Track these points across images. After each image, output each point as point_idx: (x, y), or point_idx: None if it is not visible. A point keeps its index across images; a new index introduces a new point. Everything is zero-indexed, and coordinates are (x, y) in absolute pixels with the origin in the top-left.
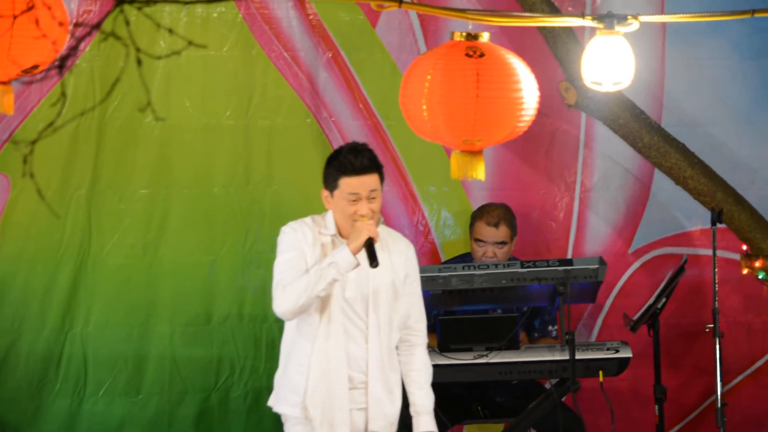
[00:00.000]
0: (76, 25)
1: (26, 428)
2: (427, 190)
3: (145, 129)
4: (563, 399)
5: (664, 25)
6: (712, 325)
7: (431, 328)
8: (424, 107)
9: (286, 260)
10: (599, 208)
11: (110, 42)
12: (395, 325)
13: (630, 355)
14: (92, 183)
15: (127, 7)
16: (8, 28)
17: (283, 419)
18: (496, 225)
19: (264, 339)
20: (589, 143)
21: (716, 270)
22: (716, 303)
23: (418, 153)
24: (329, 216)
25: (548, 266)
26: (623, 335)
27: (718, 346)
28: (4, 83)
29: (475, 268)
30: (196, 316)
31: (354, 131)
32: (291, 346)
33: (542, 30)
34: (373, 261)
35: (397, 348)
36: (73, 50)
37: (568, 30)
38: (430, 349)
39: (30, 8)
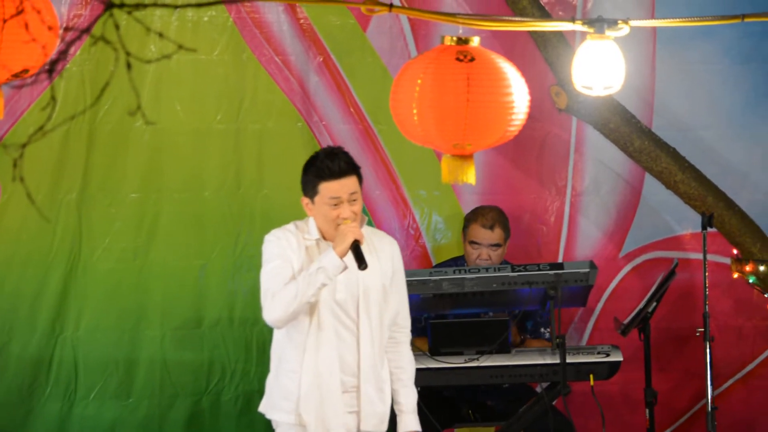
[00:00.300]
0: (66, 29)
1: None
2: (418, 194)
3: (135, 133)
4: (554, 402)
5: (654, 29)
6: (702, 329)
7: (422, 332)
8: (415, 111)
9: (272, 268)
10: (590, 212)
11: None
12: (386, 324)
13: (621, 358)
14: (82, 187)
15: (116, 12)
16: None
17: (275, 425)
18: (491, 227)
19: (255, 342)
20: (579, 147)
21: (707, 274)
22: (707, 307)
23: (409, 157)
24: (311, 222)
25: (539, 270)
26: (614, 339)
27: (708, 350)
28: None
29: (466, 271)
30: (187, 320)
31: (345, 135)
32: (281, 352)
33: (533, 34)
34: (362, 264)
35: None
36: (63, 54)
37: (559, 34)
38: (421, 352)
39: (19, 12)
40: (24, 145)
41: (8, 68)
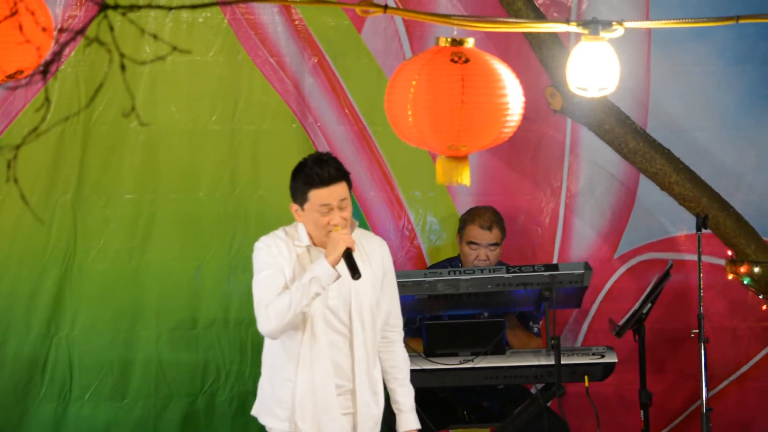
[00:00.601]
0: (61, 30)
1: None
2: (413, 195)
3: (130, 134)
4: (549, 404)
5: (649, 31)
6: (697, 331)
7: (417, 333)
8: (410, 112)
9: (264, 278)
10: (585, 214)
11: (94, 47)
12: (378, 326)
13: (615, 360)
14: (77, 188)
15: (111, 13)
16: None
17: (269, 429)
18: (489, 228)
19: (250, 343)
20: (574, 149)
21: (701, 275)
22: (701, 308)
23: (404, 158)
24: (300, 227)
25: (534, 271)
26: (609, 340)
27: (703, 352)
28: None
29: (461, 273)
30: (182, 321)
31: (340, 136)
32: (274, 359)
33: (527, 35)
34: (356, 273)
35: None
36: (57, 55)
37: (554, 35)
38: (416, 353)
39: (13, 14)
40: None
41: (2, 69)
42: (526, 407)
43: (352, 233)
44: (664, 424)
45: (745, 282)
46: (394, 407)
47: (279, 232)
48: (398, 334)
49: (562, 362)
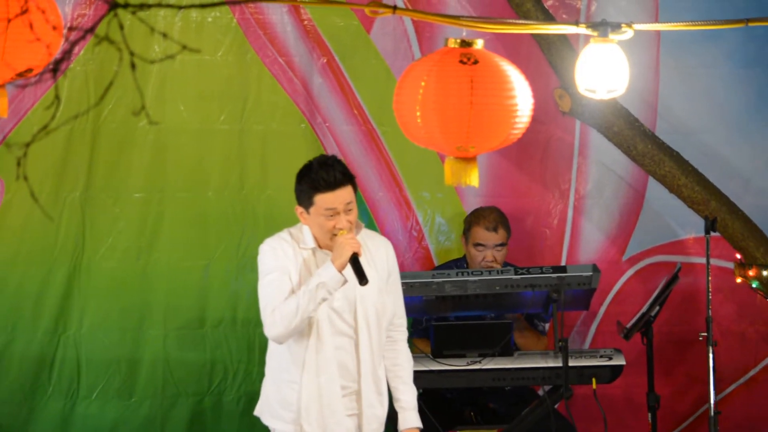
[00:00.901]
0: (71, 28)
1: (19, 431)
2: (421, 196)
3: (139, 133)
4: (556, 406)
5: (658, 33)
6: (705, 334)
7: (424, 333)
8: (418, 113)
9: (270, 281)
10: (593, 216)
11: (104, 46)
12: (383, 327)
13: (623, 362)
14: (86, 186)
15: (121, 12)
16: (2, 32)
17: (273, 431)
18: (494, 229)
19: (257, 343)
20: (583, 151)
21: (710, 278)
22: (710, 311)
23: (412, 159)
24: (306, 230)
25: (542, 273)
26: (617, 343)
27: (711, 355)
28: None
29: (468, 274)
30: (190, 320)
31: (348, 137)
32: (279, 361)
33: (537, 37)
34: (363, 279)
35: None
36: (67, 54)
37: (563, 37)
38: (424, 354)
39: (24, 12)
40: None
41: (12, 67)
42: (534, 409)
43: (357, 235)
44: (671, 427)
45: (754, 285)
46: (396, 405)
47: (284, 234)
48: (402, 333)
49: (570, 364)
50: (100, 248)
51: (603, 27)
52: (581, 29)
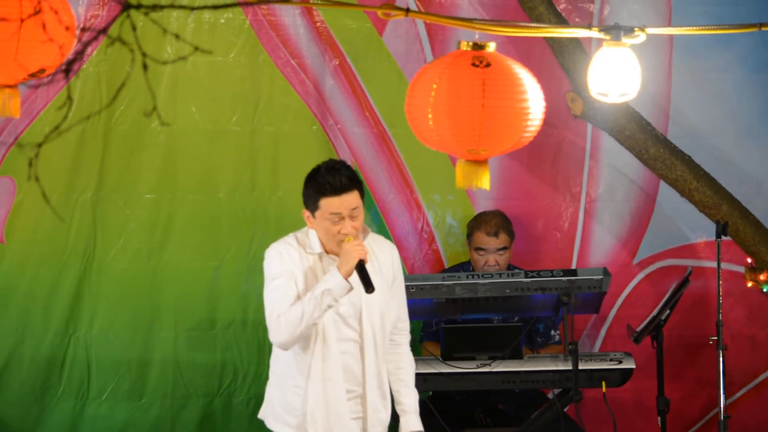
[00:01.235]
0: (83, 29)
1: (29, 431)
2: (432, 198)
3: (150, 134)
4: (566, 409)
5: (671, 37)
6: (715, 338)
7: (434, 336)
8: (430, 116)
9: (276, 287)
10: (604, 219)
11: (117, 47)
12: (388, 331)
13: (633, 366)
14: (98, 187)
15: (133, 12)
16: (15, 32)
17: None
18: (495, 234)
19: (267, 345)
20: (595, 154)
21: (720, 282)
22: (720, 315)
23: (424, 161)
24: (312, 234)
25: (552, 276)
26: (627, 346)
27: (721, 359)
28: (10, 87)
29: (479, 277)
30: (200, 322)
31: (359, 139)
32: (285, 366)
33: (549, 40)
34: (369, 287)
35: None
36: (79, 54)
37: (575, 41)
38: (433, 357)
39: (37, 12)
40: (40, 145)
41: (25, 68)
42: (543, 412)
43: (364, 240)
44: (681, 431)
45: (765, 290)
46: (398, 408)
47: (290, 239)
48: (405, 336)
49: (580, 367)
50: (111, 249)
51: (616, 31)
52: (594, 33)
